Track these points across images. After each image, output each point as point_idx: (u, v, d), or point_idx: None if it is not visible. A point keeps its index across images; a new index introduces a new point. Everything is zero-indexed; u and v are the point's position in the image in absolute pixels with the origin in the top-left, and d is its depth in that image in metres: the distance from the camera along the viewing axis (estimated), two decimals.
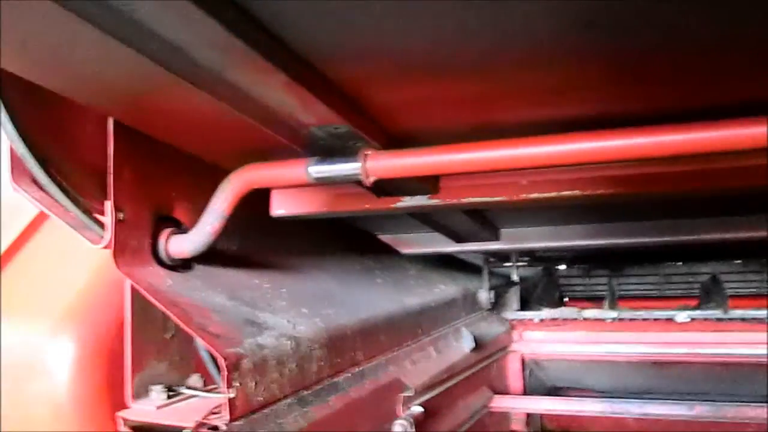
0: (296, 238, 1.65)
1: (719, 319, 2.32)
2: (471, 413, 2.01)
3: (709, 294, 2.87)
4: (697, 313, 2.29)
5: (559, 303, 3.07)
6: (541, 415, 2.94)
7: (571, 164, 1.01)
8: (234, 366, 1.00)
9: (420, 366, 1.68)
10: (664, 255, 3.15)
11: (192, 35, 0.73)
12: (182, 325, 1.00)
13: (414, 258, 2.11)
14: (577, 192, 1.30)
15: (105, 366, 1.31)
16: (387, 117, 1.07)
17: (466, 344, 1.90)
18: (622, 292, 3.78)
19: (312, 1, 0.68)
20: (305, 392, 1.20)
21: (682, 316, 2.26)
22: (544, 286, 3.24)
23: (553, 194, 1.29)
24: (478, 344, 2.05)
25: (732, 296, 3.52)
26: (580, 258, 3.16)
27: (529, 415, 2.63)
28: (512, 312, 2.52)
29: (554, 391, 3.08)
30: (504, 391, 2.55)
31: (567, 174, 1.30)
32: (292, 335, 1.19)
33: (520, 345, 2.59)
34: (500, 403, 2.29)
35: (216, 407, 1.04)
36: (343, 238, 1.88)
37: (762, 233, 1.79)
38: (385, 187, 1.25)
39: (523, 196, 1.29)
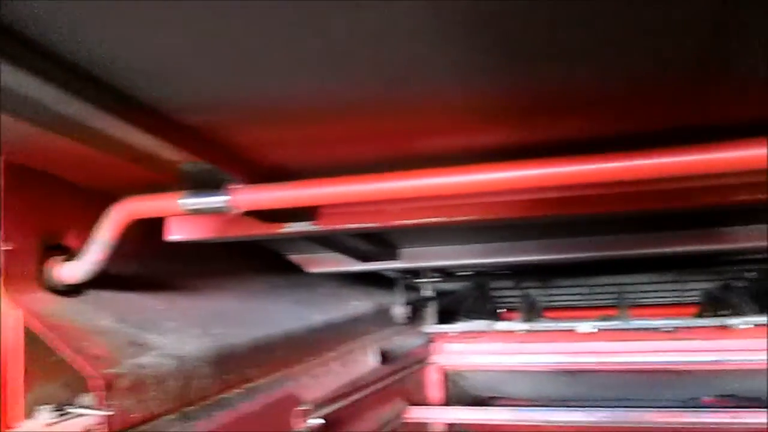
0: (199, 259, 1.74)
1: (623, 329, 2.46)
2: (381, 424, 2.10)
3: (622, 304, 3.03)
4: (601, 324, 2.42)
5: (493, 315, 3.19)
6: (465, 425, 3.05)
7: (433, 197, 1.13)
8: (108, 385, 1.07)
9: (321, 380, 1.77)
10: (590, 268, 3.27)
11: (48, 95, 0.82)
12: (56, 348, 1.07)
13: (329, 276, 2.20)
14: (456, 218, 1.42)
15: None
16: (256, 153, 1.17)
17: (372, 359, 2.00)
18: (553, 303, 3.94)
19: (154, 61, 0.78)
20: (189, 408, 1.28)
21: (584, 327, 2.39)
22: (476, 299, 3.36)
23: (431, 219, 1.40)
24: (388, 358, 2.15)
25: (651, 305, 3.71)
26: (511, 271, 3.28)
27: (450, 425, 2.74)
28: (431, 325, 2.62)
29: (480, 401, 3.20)
30: (424, 402, 2.66)
31: (443, 201, 1.42)
32: (176, 354, 1.28)
33: (439, 357, 2.70)
34: (415, 413, 2.39)
35: (96, 424, 1.11)
36: (252, 259, 1.97)
37: (675, 248, 1.93)
38: (270, 214, 1.35)
39: (398, 222, 1.39)
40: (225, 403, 1.38)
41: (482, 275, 3.06)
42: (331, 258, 1.96)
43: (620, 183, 1.23)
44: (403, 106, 0.97)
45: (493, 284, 3.45)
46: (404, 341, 2.40)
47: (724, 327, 2.30)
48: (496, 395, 3.22)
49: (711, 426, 2.20)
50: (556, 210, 1.42)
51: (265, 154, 1.19)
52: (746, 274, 3.08)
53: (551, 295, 3.75)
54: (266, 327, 1.64)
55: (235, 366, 1.44)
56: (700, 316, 2.99)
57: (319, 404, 1.69)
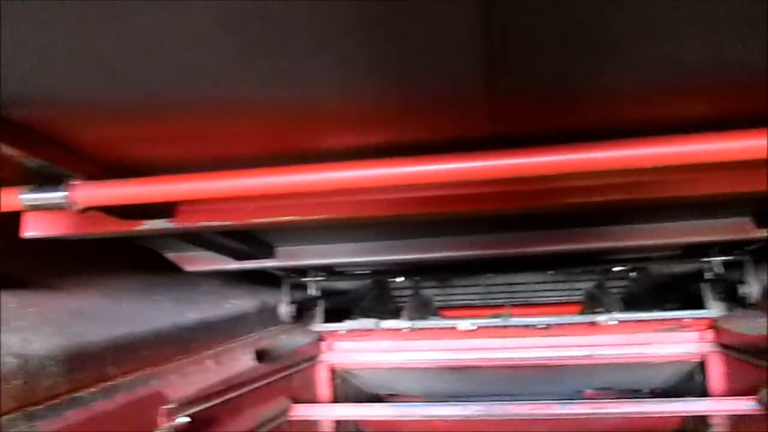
0: (66, 257, 1.71)
1: (501, 326, 2.56)
2: (261, 422, 2.11)
3: (508, 302, 3.15)
4: (480, 321, 2.52)
5: (395, 313, 3.24)
6: (358, 422, 3.10)
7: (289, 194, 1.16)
8: None
9: (192, 379, 1.76)
10: (486, 267, 3.37)
11: None
12: None
13: (211, 274, 2.19)
14: (319, 216, 1.45)
15: None
16: (103, 150, 1.17)
17: (251, 357, 2.01)
18: (451, 302, 4.04)
19: None
20: (34, 408, 1.26)
21: (464, 325, 2.48)
22: (376, 297, 3.42)
23: (292, 218, 1.43)
24: (270, 356, 2.16)
25: (545, 304, 3.86)
26: (408, 270, 3.35)
27: (340, 423, 2.77)
28: (319, 324, 2.65)
29: (374, 398, 3.25)
30: (313, 400, 2.68)
31: (311, 199, 1.45)
32: (20, 353, 1.25)
33: (329, 355, 2.73)
34: (301, 411, 2.41)
35: None
36: (127, 257, 1.94)
37: (563, 247, 2.03)
38: (124, 211, 1.34)
39: (258, 220, 1.42)
40: (77, 402, 1.36)
41: (381, 274, 3.12)
42: (207, 256, 1.96)
43: (500, 182, 1.30)
44: (268, 107, 0.99)
45: (397, 283, 3.52)
46: (289, 340, 2.41)
47: (593, 323, 2.43)
48: (388, 392, 3.29)
49: (582, 416, 2.33)
50: (426, 209, 1.48)
51: (116, 151, 1.19)
52: (630, 274, 3.28)
53: (449, 294, 3.85)
54: (133, 325, 1.63)
55: (90, 364, 1.42)
56: (582, 313, 3.14)
57: (187, 403, 1.68)
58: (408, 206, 1.46)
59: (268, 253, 2.00)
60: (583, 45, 0.82)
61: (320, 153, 1.16)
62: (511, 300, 3.76)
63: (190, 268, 2.01)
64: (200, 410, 1.77)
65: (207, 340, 1.94)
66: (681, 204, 1.70)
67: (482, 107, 0.98)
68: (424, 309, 3.35)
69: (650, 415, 2.29)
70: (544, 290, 3.69)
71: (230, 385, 1.92)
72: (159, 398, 1.61)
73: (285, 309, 2.42)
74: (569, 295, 3.60)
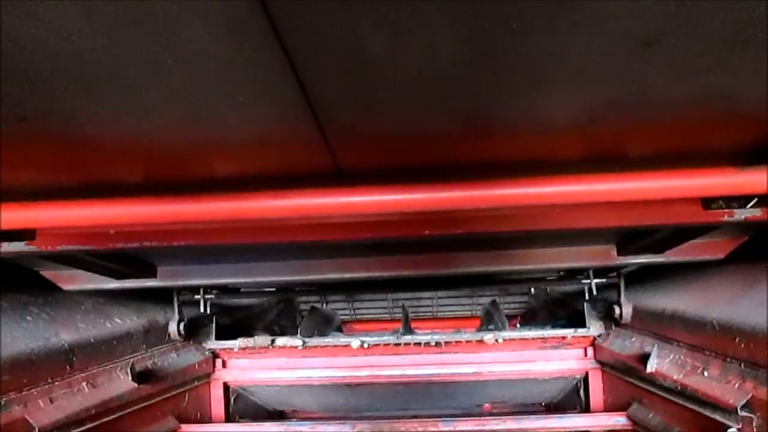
0: None
1: (395, 344, 2.60)
2: None
3: (407, 317, 3.20)
4: (371, 339, 2.55)
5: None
6: None
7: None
8: None
9: (60, 403, 1.72)
10: (393, 284, 3.40)
11: None
12: None
13: (93, 292, 2.14)
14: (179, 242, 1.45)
15: None
16: None
17: (131, 377, 1.97)
18: (359, 316, 4.07)
19: None
20: None
21: (356, 343, 2.51)
22: (281, 313, 3.41)
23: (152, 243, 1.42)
24: (154, 375, 2.13)
25: (448, 318, 3.94)
26: (317, 286, 3.35)
27: None
28: (212, 341, 2.62)
29: (275, 414, 3.24)
30: (207, 419, 2.65)
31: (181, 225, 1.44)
32: None
33: (223, 373, 2.70)
34: (189, 431, 2.38)
35: None
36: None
37: (466, 268, 2.08)
38: None
39: (120, 245, 1.40)
40: None
41: (285, 290, 3.11)
42: (86, 275, 1.91)
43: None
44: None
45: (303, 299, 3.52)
46: (178, 358, 2.38)
47: (481, 341, 2.51)
48: (288, 408, 3.28)
49: None
50: (312, 236, 1.50)
51: None
52: (531, 291, 3.40)
53: (356, 309, 3.89)
54: None
55: None
56: (479, 329, 3.22)
57: (54, 429, 1.64)
58: (296, 233, 1.49)
59: (150, 272, 1.97)
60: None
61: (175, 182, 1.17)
62: (418, 314, 3.83)
63: (67, 287, 1.96)
64: None
65: (83, 361, 1.89)
66: (557, 233, 1.79)
67: (319, 146, 1.01)
68: (327, 324, 3.37)
69: (531, 430, 2.38)
70: (450, 305, 3.78)
71: (105, 409, 1.88)
72: (22, 425, 1.56)
73: (174, 327, 2.38)
74: (472, 310, 3.71)
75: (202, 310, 2.55)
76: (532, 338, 2.58)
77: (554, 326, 2.65)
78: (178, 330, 2.39)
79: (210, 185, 1.13)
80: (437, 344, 2.56)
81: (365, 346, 2.56)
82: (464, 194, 1.10)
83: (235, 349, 2.64)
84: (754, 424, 1.45)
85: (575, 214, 1.43)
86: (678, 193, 1.13)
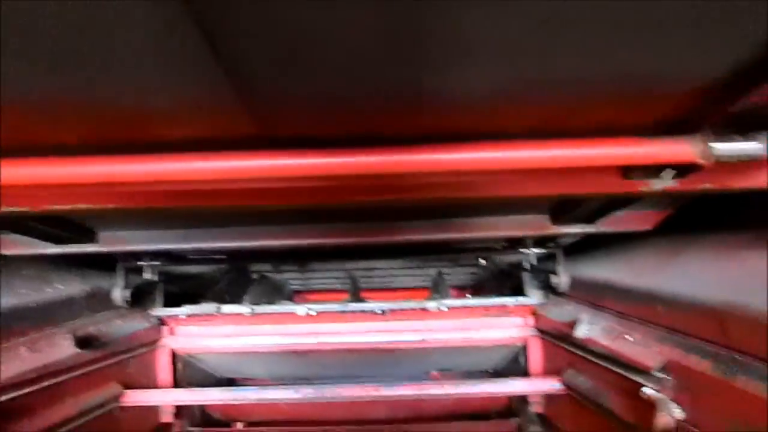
0: None
1: (342, 312, 2.64)
2: (84, 409, 2.08)
3: (356, 287, 3.24)
4: (318, 307, 2.59)
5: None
6: (206, 407, 3.11)
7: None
8: None
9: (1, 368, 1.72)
10: (346, 253, 3.43)
11: None
12: None
13: (34, 257, 2.12)
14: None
15: None
16: None
17: (72, 343, 1.97)
18: (313, 287, 4.10)
19: None
20: None
21: (302, 310, 2.54)
22: (233, 282, 3.41)
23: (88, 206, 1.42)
24: (97, 342, 2.13)
25: (398, 288, 4.00)
26: (269, 254, 3.36)
27: (182, 408, 2.77)
28: (159, 309, 2.63)
29: (224, 382, 3.27)
30: (153, 386, 2.66)
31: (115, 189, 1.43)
32: None
33: (170, 340, 2.72)
34: (135, 397, 2.39)
35: None
36: None
37: (417, 236, 2.11)
38: None
39: (58, 207, 1.40)
40: None
41: (236, 258, 3.12)
42: (25, 240, 1.89)
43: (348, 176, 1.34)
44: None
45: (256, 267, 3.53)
46: (123, 325, 2.38)
47: (424, 309, 2.57)
48: (237, 376, 3.32)
49: (408, 398, 2.46)
50: (253, 200, 1.51)
51: None
52: (480, 261, 3.46)
53: (308, 278, 3.91)
54: None
55: None
56: (429, 299, 3.28)
57: None
58: (235, 197, 1.49)
59: (90, 238, 1.96)
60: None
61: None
62: (371, 285, 3.87)
63: (7, 251, 1.94)
64: (8, 399, 1.73)
65: (23, 326, 1.88)
66: (497, 202, 1.84)
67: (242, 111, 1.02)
68: (277, 293, 3.39)
69: (470, 396, 2.46)
70: (402, 276, 3.83)
71: (46, 373, 1.88)
72: None
73: (119, 294, 2.38)
74: (424, 282, 3.77)
75: (147, 276, 2.54)
76: (475, 307, 2.65)
77: (497, 296, 2.72)
78: (123, 296, 2.39)
79: (138, 149, 1.14)
80: (383, 312, 2.62)
81: (312, 313, 2.60)
82: (388, 159, 1.12)
83: (182, 317, 2.66)
84: (669, 386, 1.54)
85: (505, 182, 1.47)
86: (597, 161, 1.17)
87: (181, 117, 1.09)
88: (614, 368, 1.82)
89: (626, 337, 1.77)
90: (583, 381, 2.14)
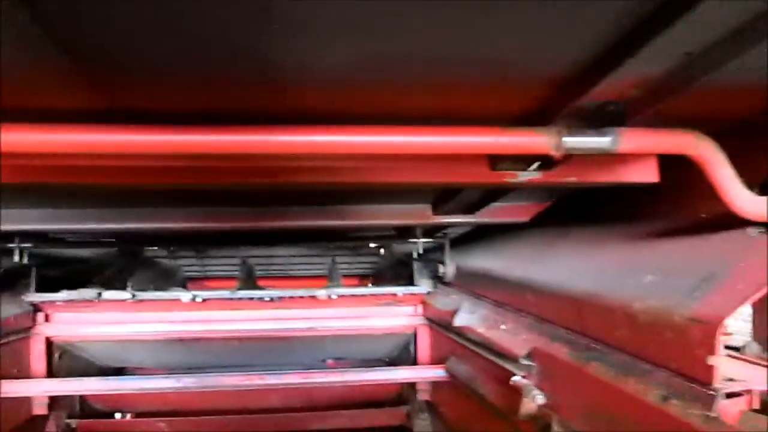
0: None
1: (230, 299, 2.58)
2: None
3: (250, 275, 3.19)
4: (204, 294, 2.52)
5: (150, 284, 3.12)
6: (87, 397, 2.97)
7: None
8: None
9: None
10: (244, 239, 3.35)
11: None
12: None
13: None
14: None
15: None
16: None
17: None
18: (210, 274, 4.00)
19: None
20: None
21: (187, 297, 2.47)
22: (123, 267, 3.27)
23: None
24: None
25: (298, 277, 3.96)
26: (165, 239, 3.24)
27: (58, 398, 2.63)
28: (32, 294, 2.48)
29: (111, 372, 3.13)
30: (24, 375, 2.51)
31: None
32: None
33: (45, 327, 2.57)
34: (3, 388, 2.25)
35: None
36: None
37: (308, 222, 2.06)
38: None
39: None
40: None
41: (128, 242, 2.99)
42: None
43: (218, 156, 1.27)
44: None
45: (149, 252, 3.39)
46: None
47: (314, 297, 2.54)
48: (122, 364, 3.19)
49: (294, 386, 2.44)
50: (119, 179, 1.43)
51: None
52: (380, 251, 3.46)
53: (205, 265, 3.82)
54: None
55: None
56: (326, 287, 3.25)
57: None
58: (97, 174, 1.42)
59: None
60: None
61: None
62: (270, 273, 3.82)
63: None
64: None
65: None
66: (381, 190, 1.84)
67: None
68: (168, 279, 3.29)
69: (357, 384, 2.46)
70: (302, 264, 3.80)
71: None
72: None
73: None
74: (323, 269, 3.74)
75: (17, 259, 2.39)
76: (366, 295, 2.65)
77: (390, 285, 2.74)
78: None
79: None
80: (271, 300, 2.57)
81: (198, 300, 2.53)
82: (242, 138, 1.08)
83: (60, 303, 2.52)
84: (534, 372, 1.58)
85: (378, 169, 1.46)
86: (459, 148, 1.17)
87: (22, 88, 1.03)
88: (489, 356, 1.86)
89: (500, 325, 1.81)
90: (463, 369, 2.18)
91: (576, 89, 1.02)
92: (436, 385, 2.62)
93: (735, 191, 1.11)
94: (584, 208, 1.81)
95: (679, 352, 1.05)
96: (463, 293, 2.28)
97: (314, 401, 3.07)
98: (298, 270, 3.91)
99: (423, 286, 2.60)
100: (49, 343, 2.61)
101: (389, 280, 3.24)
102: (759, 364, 1.08)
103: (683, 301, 1.08)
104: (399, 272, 3.19)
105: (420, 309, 2.69)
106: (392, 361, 3.11)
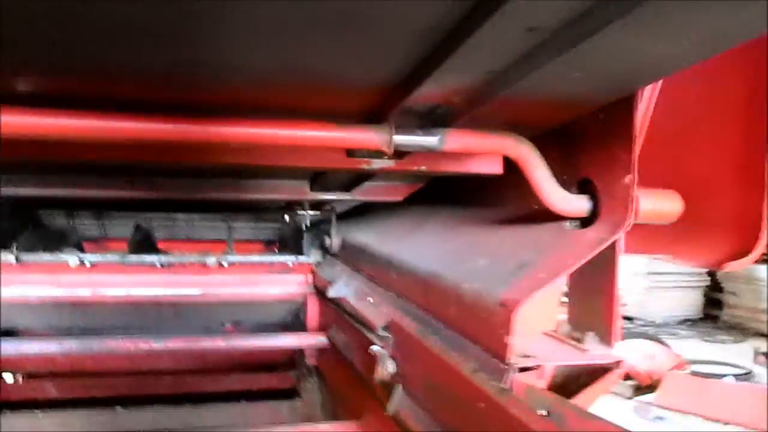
0: None
1: (121, 264, 2.61)
2: None
3: (148, 238, 3.21)
4: (95, 258, 2.53)
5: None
6: None
7: None
8: None
9: None
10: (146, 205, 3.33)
11: None
12: None
13: None
14: None
15: None
16: None
17: None
18: (112, 234, 3.95)
19: None
20: None
21: (74, 261, 2.48)
22: (12, 228, 3.20)
23: None
24: None
25: (201, 240, 3.97)
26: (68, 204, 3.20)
27: None
28: None
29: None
30: None
31: None
32: None
33: None
34: None
35: None
36: None
37: (209, 194, 2.10)
38: None
39: None
40: None
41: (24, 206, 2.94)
42: None
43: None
44: None
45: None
46: None
47: (204, 264, 2.60)
48: (10, 327, 3.16)
49: (180, 351, 2.51)
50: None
51: None
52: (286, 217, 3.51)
53: (105, 227, 3.77)
54: None
55: None
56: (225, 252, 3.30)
57: None
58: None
59: None
60: None
61: None
62: (173, 236, 3.82)
63: None
64: None
65: None
66: (267, 169, 1.92)
67: None
68: (61, 241, 3.26)
69: (244, 350, 2.56)
70: (204, 227, 3.82)
71: None
72: None
73: None
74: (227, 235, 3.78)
75: None
76: (257, 263, 2.73)
77: (281, 253, 2.82)
78: None
79: None
80: (163, 266, 2.61)
81: (87, 264, 2.54)
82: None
83: None
84: (389, 343, 1.71)
85: (267, 152, 1.54)
86: (311, 141, 1.26)
87: None
88: (356, 326, 1.98)
89: (368, 298, 1.93)
90: (340, 337, 2.30)
91: (401, 94, 1.13)
92: (321, 351, 2.74)
93: (549, 189, 1.25)
94: (450, 192, 1.94)
95: (487, 331, 1.19)
96: (346, 266, 2.39)
97: (208, 364, 3.14)
98: (201, 234, 3.93)
99: (312, 256, 2.70)
100: None
101: (292, 246, 3.31)
102: (563, 342, 1.24)
103: (497, 286, 1.21)
104: (297, 240, 3.28)
105: (310, 278, 2.79)
106: (286, 327, 3.22)
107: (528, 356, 1.14)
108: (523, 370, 1.12)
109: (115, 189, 2.11)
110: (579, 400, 1.20)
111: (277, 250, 3.82)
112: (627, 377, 7.21)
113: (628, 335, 8.38)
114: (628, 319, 9.90)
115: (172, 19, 0.86)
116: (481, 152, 1.43)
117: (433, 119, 1.22)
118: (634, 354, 7.64)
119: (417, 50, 0.95)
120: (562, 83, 1.04)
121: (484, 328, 1.20)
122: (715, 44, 0.86)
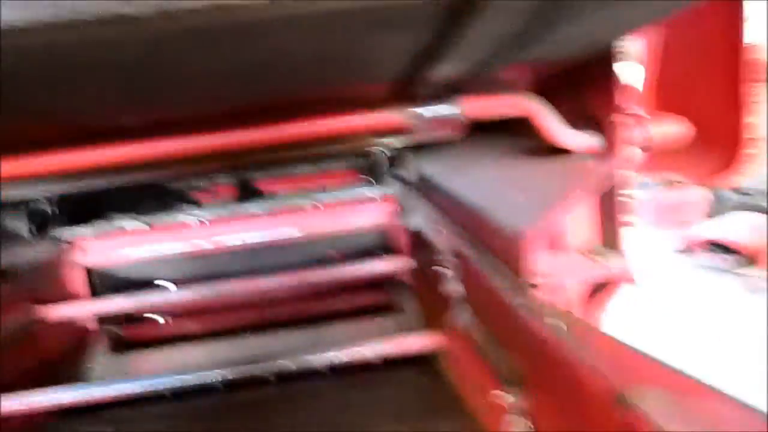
0: None
1: (230, 216, 3.02)
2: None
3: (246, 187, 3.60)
4: (208, 213, 2.97)
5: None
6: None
7: None
8: None
9: None
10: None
11: None
12: None
13: None
14: None
15: None
16: None
17: None
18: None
19: None
20: None
21: (192, 220, 2.92)
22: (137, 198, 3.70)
23: None
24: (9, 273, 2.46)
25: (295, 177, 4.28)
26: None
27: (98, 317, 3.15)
28: (65, 230, 2.94)
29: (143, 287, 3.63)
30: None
31: None
32: None
33: (79, 257, 3.05)
34: (53, 312, 2.75)
35: None
36: None
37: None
38: None
39: None
40: None
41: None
42: None
43: None
44: None
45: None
46: (31, 250, 2.70)
47: (301, 207, 3.00)
48: (151, 279, 3.69)
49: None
50: None
51: None
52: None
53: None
54: None
55: None
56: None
57: None
58: None
59: None
60: None
61: None
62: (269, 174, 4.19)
63: None
64: None
65: None
66: None
67: None
68: (175, 199, 3.72)
69: (343, 276, 2.94)
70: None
71: None
72: None
73: (24, 226, 2.69)
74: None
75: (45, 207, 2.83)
76: (348, 199, 3.08)
77: (367, 186, 3.17)
78: (30, 230, 2.71)
79: None
80: (266, 212, 3.03)
81: (205, 222, 2.99)
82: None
83: (89, 236, 2.99)
84: (457, 267, 2.01)
85: None
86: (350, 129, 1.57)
87: None
88: (433, 252, 2.29)
89: (440, 228, 2.23)
90: (423, 261, 2.63)
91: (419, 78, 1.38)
92: (411, 272, 3.09)
93: (564, 135, 1.48)
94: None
95: (513, 255, 1.47)
96: (420, 197, 2.69)
97: (317, 291, 3.57)
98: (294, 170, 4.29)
99: (393, 188, 3.02)
100: (87, 270, 3.10)
101: (376, 179, 3.63)
102: (588, 258, 1.50)
103: (520, 217, 1.48)
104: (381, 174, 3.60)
105: (394, 208, 3.11)
106: (375, 253, 3.58)
107: (547, 274, 1.42)
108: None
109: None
110: (594, 308, 1.47)
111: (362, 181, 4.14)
112: (729, 250, 7.21)
113: (740, 207, 8.19)
114: (744, 194, 9.62)
115: None
116: (496, 115, 1.66)
117: (449, 90, 1.47)
118: (740, 227, 7.57)
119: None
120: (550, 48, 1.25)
121: (510, 253, 1.48)
122: None
